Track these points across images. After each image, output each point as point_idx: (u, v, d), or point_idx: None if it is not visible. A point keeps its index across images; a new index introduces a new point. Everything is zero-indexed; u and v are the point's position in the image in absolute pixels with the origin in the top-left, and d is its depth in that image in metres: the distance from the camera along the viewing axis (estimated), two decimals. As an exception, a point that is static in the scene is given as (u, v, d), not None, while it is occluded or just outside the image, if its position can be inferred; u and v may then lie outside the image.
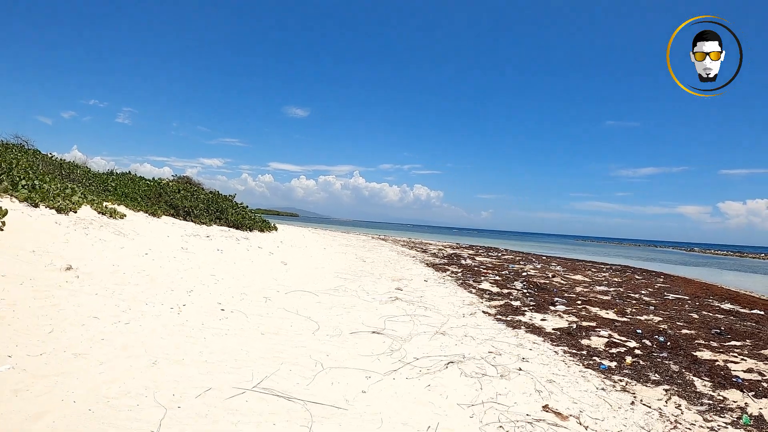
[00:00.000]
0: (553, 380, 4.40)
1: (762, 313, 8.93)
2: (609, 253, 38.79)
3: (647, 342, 6.15)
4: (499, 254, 23.65)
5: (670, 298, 10.74)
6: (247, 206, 18.45)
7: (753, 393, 4.50)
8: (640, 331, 6.70)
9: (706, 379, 4.85)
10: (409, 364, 4.54)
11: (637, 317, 7.98)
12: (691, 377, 4.86)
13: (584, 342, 5.98)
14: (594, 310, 8.43)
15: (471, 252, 23.78)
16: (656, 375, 4.85)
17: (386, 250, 19.82)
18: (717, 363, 5.42)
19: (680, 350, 5.84)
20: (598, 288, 11.74)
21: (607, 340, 6.15)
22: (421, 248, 23.80)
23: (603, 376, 4.71)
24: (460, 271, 13.68)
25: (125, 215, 10.43)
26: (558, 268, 17.35)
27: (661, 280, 15.27)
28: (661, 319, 7.89)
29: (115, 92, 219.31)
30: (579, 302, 9.13)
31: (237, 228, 14.98)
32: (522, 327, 6.57)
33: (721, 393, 4.51)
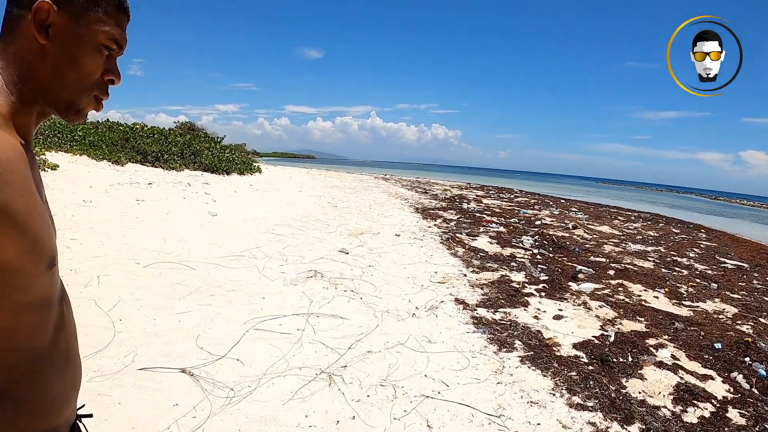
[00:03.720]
0: None
1: None
2: (632, 198, 34.49)
3: (741, 381, 3.20)
4: (512, 196, 20.39)
5: (729, 266, 7.69)
6: (232, 145, 18.32)
7: None
8: (719, 346, 3.76)
9: None
10: None
11: (701, 305, 5.03)
12: None
13: (633, 389, 3.03)
14: (635, 289, 5.47)
15: (480, 193, 20.58)
16: None
17: (378, 192, 16.79)
18: None
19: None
20: (633, 247, 8.67)
21: (674, 379, 3.20)
22: (423, 189, 20.59)
23: None
24: (455, 218, 10.65)
25: (58, 165, 8.83)
26: (579, 215, 14.21)
27: (704, 236, 12.06)
28: (736, 310, 4.92)
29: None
30: (612, 273, 6.17)
31: (212, 171, 14.05)
32: (516, 343, 3.60)
33: None
